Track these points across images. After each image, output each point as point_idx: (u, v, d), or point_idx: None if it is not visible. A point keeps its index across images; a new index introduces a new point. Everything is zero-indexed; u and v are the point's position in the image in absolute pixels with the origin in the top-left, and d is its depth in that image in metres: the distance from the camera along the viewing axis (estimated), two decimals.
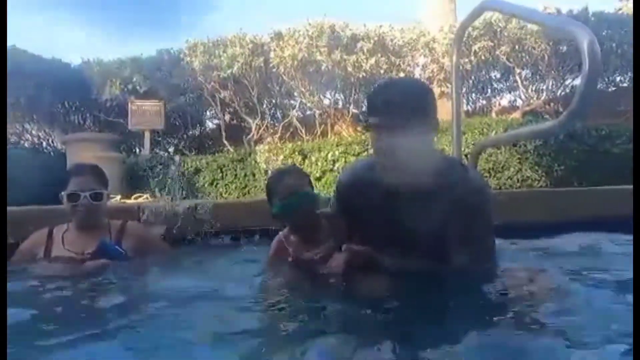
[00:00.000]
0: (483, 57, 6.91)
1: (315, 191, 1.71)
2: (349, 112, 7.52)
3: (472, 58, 6.84)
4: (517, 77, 7.23)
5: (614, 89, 7.59)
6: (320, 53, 6.69)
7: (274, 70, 7.03)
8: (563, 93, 7.47)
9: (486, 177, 5.25)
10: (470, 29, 5.67)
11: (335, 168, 5.84)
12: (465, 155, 3.66)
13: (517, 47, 6.74)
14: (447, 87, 7.33)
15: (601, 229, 2.13)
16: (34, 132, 8.79)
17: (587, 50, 1.78)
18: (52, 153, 8.35)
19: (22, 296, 1.45)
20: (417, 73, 7.56)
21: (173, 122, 8.47)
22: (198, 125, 9.06)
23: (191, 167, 6.70)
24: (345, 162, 5.79)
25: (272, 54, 6.87)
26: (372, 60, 6.65)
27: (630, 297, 1.14)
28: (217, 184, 6.62)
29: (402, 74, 7.10)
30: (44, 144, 8.80)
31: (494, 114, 7.61)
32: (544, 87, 7.47)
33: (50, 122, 8.48)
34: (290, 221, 1.65)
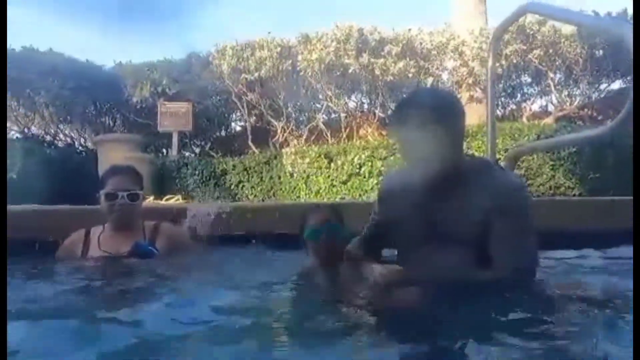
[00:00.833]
0: (514, 61, 6.76)
1: (345, 228, 1.75)
2: (375, 115, 7.47)
3: (503, 62, 6.69)
4: (550, 82, 7.04)
5: None
6: (348, 56, 6.67)
7: (301, 73, 7.05)
8: (598, 98, 7.23)
9: None
10: None
11: (362, 172, 5.79)
12: (497, 161, 3.56)
13: (550, 50, 6.56)
14: (476, 91, 7.20)
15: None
16: (67, 132, 9.07)
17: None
18: (84, 153, 8.59)
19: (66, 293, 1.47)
20: (445, 77, 7.46)
21: (200, 124, 8.61)
22: (224, 127, 9.17)
23: (218, 168, 6.77)
24: (372, 166, 5.74)
25: (299, 57, 6.89)
26: (400, 64, 6.59)
27: None
28: (243, 186, 6.67)
29: (430, 78, 7.02)
30: (76, 144, 9.07)
31: (524, 119, 7.43)
32: (578, 92, 7.25)
33: (83, 123, 8.74)
34: (314, 248, 1.69)
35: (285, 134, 7.65)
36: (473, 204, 1.43)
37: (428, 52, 7.06)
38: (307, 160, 6.24)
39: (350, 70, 6.77)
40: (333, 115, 8.04)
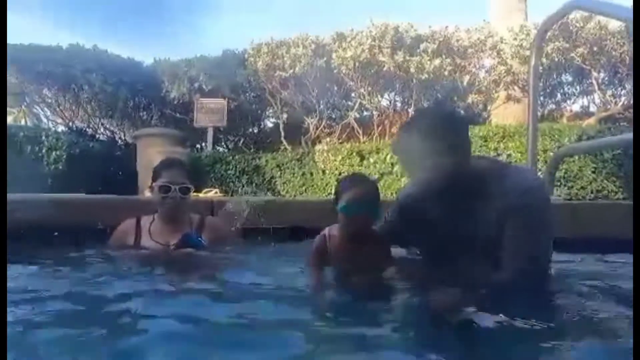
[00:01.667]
0: (556, 59, 6.53)
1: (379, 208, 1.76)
2: (408, 114, 7.39)
3: (544, 60, 6.48)
4: (594, 81, 6.77)
5: None
6: (383, 54, 6.63)
7: (335, 71, 7.05)
8: None
9: (556, 186, 4.96)
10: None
11: (394, 171, 5.76)
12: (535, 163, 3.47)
13: (595, 48, 6.30)
14: (514, 90, 7.02)
15: None
16: (108, 126, 9.43)
17: None
18: (123, 147, 8.92)
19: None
20: (482, 75, 7.29)
21: (234, 119, 8.76)
22: (258, 123, 9.30)
23: (251, 164, 6.89)
24: None
25: (333, 55, 6.90)
26: (436, 62, 6.49)
27: None
28: (275, 181, 6.76)
29: (466, 77, 6.88)
30: (116, 137, 9.42)
31: (564, 120, 7.18)
32: (624, 92, 6.93)
33: (122, 118, 9.06)
34: (348, 223, 1.67)
35: (317, 131, 7.68)
36: (481, 207, 1.45)
37: (465, 49, 6.93)
38: (340, 157, 6.26)
39: (384, 68, 6.73)
40: (365, 113, 8.02)
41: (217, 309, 1.23)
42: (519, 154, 5.25)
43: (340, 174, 6.16)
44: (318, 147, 6.71)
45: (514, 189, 1.42)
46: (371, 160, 6.03)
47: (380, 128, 7.41)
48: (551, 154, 4.74)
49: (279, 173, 6.75)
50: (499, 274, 1.42)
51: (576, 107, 7.95)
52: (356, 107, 7.66)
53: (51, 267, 1.76)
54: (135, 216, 2.09)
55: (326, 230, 1.75)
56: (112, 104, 8.41)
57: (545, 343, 1.07)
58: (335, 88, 7.55)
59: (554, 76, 7.36)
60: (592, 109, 7.59)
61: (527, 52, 5.66)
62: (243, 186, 6.69)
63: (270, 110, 8.70)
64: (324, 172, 6.38)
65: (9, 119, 13.03)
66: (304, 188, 6.55)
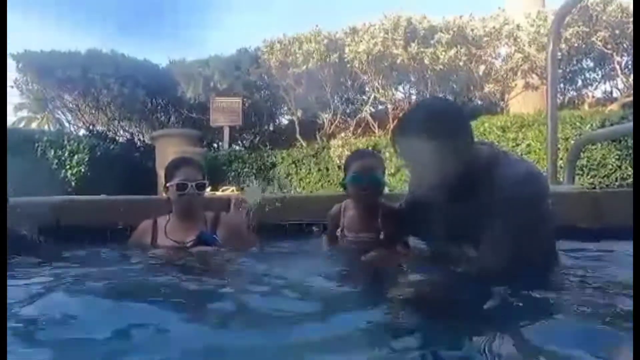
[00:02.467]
0: (575, 45, 6.36)
1: (386, 181, 1.90)
2: None
3: (563, 46, 6.30)
4: (616, 65, 6.56)
5: None
6: (396, 47, 6.57)
7: (348, 65, 7.02)
8: None
9: (578, 174, 4.83)
10: None
11: None
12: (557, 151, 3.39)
13: (617, 31, 6.10)
14: (532, 78, 6.86)
15: None
16: (127, 128, 9.62)
17: None
18: (142, 148, 9.09)
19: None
20: (499, 64, 7.15)
21: (250, 118, 8.82)
22: (273, 121, 9.34)
23: (268, 161, 6.94)
24: None
25: (346, 49, 6.87)
26: (451, 52, 6.40)
27: None
28: (291, 178, 6.79)
29: (482, 66, 6.76)
30: (135, 139, 9.61)
31: (586, 106, 6.98)
32: None
33: (140, 120, 9.23)
34: (357, 192, 1.80)
35: (332, 127, 7.67)
36: (476, 198, 1.45)
37: (480, 38, 6.80)
38: None
39: (398, 61, 6.66)
40: (380, 107, 7.96)
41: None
42: (539, 143, 5.13)
43: None
44: (333, 142, 6.70)
45: (506, 179, 1.43)
46: (387, 154, 5.98)
47: (395, 122, 7.35)
48: (572, 142, 4.62)
49: (294, 169, 6.78)
50: (475, 255, 1.46)
51: (598, 93, 7.73)
52: (370, 101, 7.62)
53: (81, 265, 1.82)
54: (154, 216, 2.13)
55: (343, 203, 1.91)
56: (131, 106, 8.58)
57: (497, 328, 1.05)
58: (349, 82, 7.52)
59: (574, 62, 7.16)
60: (615, 94, 7.36)
61: (545, 39, 5.53)
62: (259, 183, 6.75)
63: (285, 107, 8.73)
64: (339, 167, 6.37)
65: (33, 125, 13.45)
66: (320, 184, 6.56)
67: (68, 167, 6.67)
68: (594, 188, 4.78)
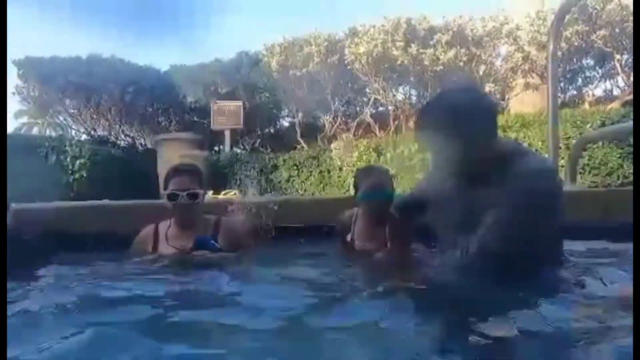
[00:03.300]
0: (576, 43, 6.35)
1: (395, 194, 1.99)
2: None
3: (563, 44, 6.30)
4: (616, 63, 6.55)
5: None
6: (396, 48, 6.57)
7: (348, 67, 7.03)
8: None
9: (580, 173, 4.83)
10: None
11: (412, 165, 5.71)
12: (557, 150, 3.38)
13: (617, 30, 6.10)
14: (532, 77, 6.86)
15: None
16: (128, 132, 9.64)
17: None
18: (143, 152, 9.09)
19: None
20: (499, 64, 7.15)
21: (250, 120, 8.83)
22: (274, 123, 9.35)
23: (269, 164, 6.93)
24: (423, 159, 5.63)
25: (347, 51, 6.88)
26: (451, 53, 6.40)
27: None
28: (293, 180, 6.79)
29: (482, 66, 6.76)
30: (137, 143, 9.62)
31: (586, 105, 6.97)
32: None
33: (142, 124, 9.25)
34: (369, 208, 1.93)
35: (333, 129, 7.68)
36: (489, 192, 1.44)
37: (480, 38, 6.80)
38: (356, 153, 6.24)
39: (398, 62, 6.67)
40: (381, 109, 7.97)
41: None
42: (540, 142, 5.13)
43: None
44: (334, 144, 6.70)
45: (520, 172, 1.42)
46: (388, 155, 5.99)
47: (396, 122, 7.35)
48: (574, 140, 4.61)
49: (296, 172, 6.77)
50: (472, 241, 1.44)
51: (598, 92, 7.72)
52: (371, 102, 7.62)
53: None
54: (155, 221, 2.13)
55: (354, 210, 2.01)
56: (132, 111, 8.60)
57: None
58: (350, 84, 7.53)
59: (574, 61, 7.16)
60: (616, 92, 7.35)
61: (545, 38, 5.53)
62: (261, 186, 6.75)
63: (286, 110, 8.74)
64: (340, 169, 6.38)
65: (34, 131, 13.48)
66: (321, 186, 6.56)
67: (70, 172, 6.68)
68: (596, 187, 4.78)
